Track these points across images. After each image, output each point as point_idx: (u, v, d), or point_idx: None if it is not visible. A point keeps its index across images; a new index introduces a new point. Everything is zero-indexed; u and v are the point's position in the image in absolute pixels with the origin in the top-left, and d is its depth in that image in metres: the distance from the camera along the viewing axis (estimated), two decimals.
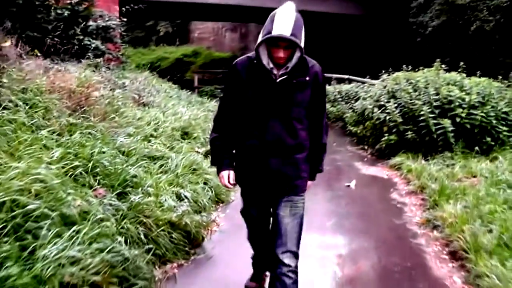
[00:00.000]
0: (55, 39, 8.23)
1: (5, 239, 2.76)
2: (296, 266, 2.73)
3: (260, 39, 2.57)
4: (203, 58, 29.51)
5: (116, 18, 10.50)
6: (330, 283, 3.76)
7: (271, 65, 2.67)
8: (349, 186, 6.50)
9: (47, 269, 2.63)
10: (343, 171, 7.63)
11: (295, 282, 2.71)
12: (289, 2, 2.64)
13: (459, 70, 9.09)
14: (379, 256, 4.26)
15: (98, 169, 4.21)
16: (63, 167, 3.89)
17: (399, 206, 5.77)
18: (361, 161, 8.26)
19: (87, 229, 3.12)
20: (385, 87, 9.23)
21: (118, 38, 10.46)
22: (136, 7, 10.71)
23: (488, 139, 7.52)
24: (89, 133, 4.92)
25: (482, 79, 8.77)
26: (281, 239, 2.74)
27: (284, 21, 2.51)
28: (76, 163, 4.06)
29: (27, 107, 4.71)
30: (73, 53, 8.61)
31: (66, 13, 8.77)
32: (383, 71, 10.44)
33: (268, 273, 3.09)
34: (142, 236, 3.63)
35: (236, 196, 5.26)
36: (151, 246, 3.61)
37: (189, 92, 13.51)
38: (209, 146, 3.24)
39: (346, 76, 15.08)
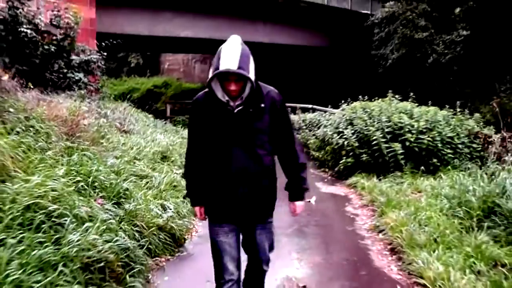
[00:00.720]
0: (47, 72, 9.11)
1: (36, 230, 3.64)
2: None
3: (210, 75, 2.70)
4: (173, 89, 30.42)
5: (95, 51, 11.36)
6: (293, 270, 4.74)
7: (227, 98, 2.83)
8: (309, 201, 7.47)
9: (72, 251, 3.52)
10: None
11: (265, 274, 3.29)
12: (234, 35, 2.79)
13: (409, 99, 10.27)
14: (331, 253, 5.26)
15: (96, 183, 5.09)
16: (67, 181, 4.76)
17: (352, 216, 6.82)
18: (321, 181, 9.32)
19: (96, 225, 4.01)
20: (343, 115, 10.38)
21: (98, 71, 11.31)
22: (114, 42, 11.61)
23: (434, 160, 8.69)
24: (84, 154, 5.79)
25: (431, 108, 9.97)
26: (262, 257, 3.13)
27: (230, 55, 2.65)
28: (78, 178, 4.95)
29: (31, 133, 5.56)
30: (59, 85, 9.45)
31: (52, 48, 9.61)
32: (343, 101, 11.59)
33: None
34: (137, 235, 4.53)
35: None
36: (144, 241, 4.54)
37: (163, 121, 14.37)
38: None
39: (310, 106, 16.21)
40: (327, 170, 10.17)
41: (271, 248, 3.22)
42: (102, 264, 3.68)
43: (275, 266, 3.76)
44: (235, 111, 2.82)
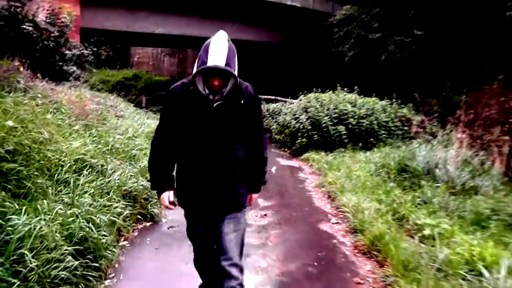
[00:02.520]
0: (46, 65, 10.93)
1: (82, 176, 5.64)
2: (242, 279, 2.97)
3: (196, 69, 2.73)
4: (144, 81, 31.76)
5: (85, 47, 13.19)
6: (255, 209, 6.83)
7: (207, 91, 2.86)
8: (271, 170, 9.62)
9: (116, 185, 5.57)
10: (269, 163, 10.91)
11: None
12: (221, 31, 2.85)
13: (354, 92, 12.59)
14: (285, 199, 7.47)
15: (113, 150, 7.10)
16: (95, 147, 6.75)
17: (303, 179, 9.06)
18: (281, 157, 11.60)
19: (125, 172, 6.06)
20: (300, 104, 12.64)
21: (87, 64, 13.18)
22: (102, 38, 13.51)
23: (372, 139, 11.06)
24: (98, 130, 7.77)
25: (372, 98, 12.31)
26: (227, 254, 2.95)
27: (218, 52, 2.70)
28: (100, 146, 6.94)
29: (58, 113, 7.50)
30: (57, 77, 11.29)
31: (51, 44, 11.44)
32: (301, 93, 13.81)
33: None
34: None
35: None
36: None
37: (145, 110, 16.28)
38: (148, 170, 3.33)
39: (273, 97, 18.40)
40: (286, 149, 12.45)
41: (241, 250, 3.13)
42: (133, 194, 5.75)
43: None
44: (214, 105, 2.88)
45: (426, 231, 5.30)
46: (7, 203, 3.97)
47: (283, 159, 11.35)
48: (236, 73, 2.78)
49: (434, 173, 7.49)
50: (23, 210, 3.83)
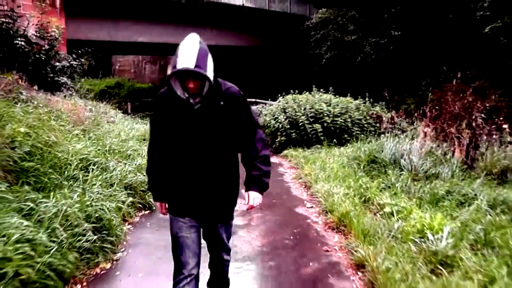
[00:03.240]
0: (38, 77, 11.78)
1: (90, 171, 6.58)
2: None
3: (168, 72, 2.77)
4: (126, 89, 32.71)
5: (73, 58, 14.04)
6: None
7: (186, 95, 2.89)
8: None
9: (118, 178, 6.51)
10: None
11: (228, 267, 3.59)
12: (192, 34, 2.83)
13: (329, 92, 13.66)
14: (268, 190, 8.39)
15: (111, 150, 8.02)
16: (95, 148, 7.66)
17: (282, 173, 10.07)
18: None
19: (125, 169, 6.99)
20: (279, 105, 13.67)
21: (76, 75, 14.04)
22: (89, 49, 14.40)
23: (346, 136, 12.12)
24: (95, 134, 8.69)
25: (346, 98, 13.37)
26: (223, 248, 3.40)
27: (188, 54, 2.69)
28: (99, 147, 7.85)
29: (59, 120, 8.40)
30: (49, 87, 12.14)
31: (43, 57, 12.29)
32: (279, 94, 14.84)
33: None
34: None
35: None
36: None
37: (132, 116, 17.17)
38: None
39: (254, 100, 19.34)
40: None
41: (228, 238, 3.44)
42: (133, 186, 6.70)
43: None
44: (195, 107, 2.92)
45: (387, 209, 6.31)
46: (32, 195, 4.91)
47: None
48: (210, 74, 2.79)
49: (399, 163, 8.52)
50: (50, 196, 4.77)
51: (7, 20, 11.67)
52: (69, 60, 13.58)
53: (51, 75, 12.63)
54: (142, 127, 12.35)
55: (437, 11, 18.38)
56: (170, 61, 2.81)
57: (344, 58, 21.63)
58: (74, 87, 13.74)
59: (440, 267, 4.43)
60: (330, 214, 6.50)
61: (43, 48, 12.52)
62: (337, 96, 13.66)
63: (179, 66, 2.69)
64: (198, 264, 3.11)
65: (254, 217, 6.69)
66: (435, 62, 17.70)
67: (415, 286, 3.98)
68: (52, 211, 4.57)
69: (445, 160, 8.55)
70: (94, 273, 4.60)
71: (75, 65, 13.62)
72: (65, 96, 11.26)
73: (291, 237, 5.88)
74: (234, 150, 3.13)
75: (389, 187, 7.50)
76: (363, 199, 7.00)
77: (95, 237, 4.77)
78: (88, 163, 6.75)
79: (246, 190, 3.20)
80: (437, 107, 10.18)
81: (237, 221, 6.23)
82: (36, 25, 12.82)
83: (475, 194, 6.64)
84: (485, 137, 8.91)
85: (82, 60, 14.07)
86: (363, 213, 6.23)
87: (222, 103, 2.94)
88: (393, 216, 6.07)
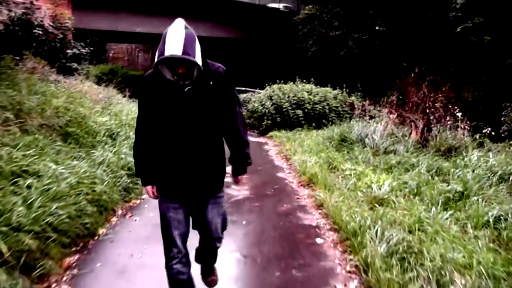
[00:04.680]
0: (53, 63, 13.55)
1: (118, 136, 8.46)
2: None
3: (156, 59, 2.75)
4: (120, 75, 34.05)
5: (79, 45, 15.80)
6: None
7: (176, 77, 2.91)
8: None
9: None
10: None
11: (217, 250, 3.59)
12: (178, 19, 2.84)
13: (310, 83, 15.61)
14: (254, 162, 10.35)
15: (127, 124, 9.86)
16: (115, 122, 9.50)
17: (267, 150, 12.08)
18: (251, 136, 14.37)
19: None
20: (265, 93, 15.65)
21: (84, 61, 15.83)
22: (96, 39, 16.18)
23: (324, 121, 14.14)
24: (112, 111, 10.53)
25: (326, 88, 15.35)
26: (214, 234, 3.35)
27: (175, 41, 2.69)
28: (118, 121, 9.70)
29: (83, 98, 10.22)
30: (65, 72, 13.89)
31: (57, 44, 14.05)
32: (267, 84, 16.74)
33: None
34: None
35: None
36: None
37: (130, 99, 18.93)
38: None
39: (244, 88, 21.09)
40: (255, 130, 15.56)
41: (224, 227, 3.43)
42: None
43: None
44: (186, 90, 2.94)
45: (347, 172, 8.26)
46: (77, 150, 6.81)
47: (252, 137, 14.30)
48: (198, 59, 2.80)
49: (364, 141, 10.49)
50: (99, 148, 6.69)
51: (27, 12, 13.37)
52: (79, 48, 15.32)
53: (64, 61, 14.36)
54: None
55: (418, 10, 19.86)
56: (158, 47, 2.77)
57: (328, 52, 23.08)
58: (83, 72, 15.50)
59: (377, 205, 6.33)
60: (303, 175, 8.44)
61: (58, 37, 14.25)
62: (318, 86, 15.60)
63: (167, 53, 2.70)
64: (185, 243, 3.24)
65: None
66: (411, 58, 19.31)
67: (353, 212, 5.87)
68: (99, 159, 6.48)
69: (403, 140, 10.50)
70: (128, 206, 6.51)
71: (84, 53, 15.38)
72: (81, 80, 13.00)
73: (272, 190, 7.84)
74: (221, 130, 3.20)
75: (353, 159, 9.44)
76: (330, 166, 8.93)
77: (129, 180, 6.68)
78: (112, 132, 8.61)
79: (235, 175, 3.43)
80: (400, 97, 12.17)
81: (228, 179, 8.17)
82: (51, 16, 14.54)
83: (419, 163, 8.57)
84: (435, 121, 10.88)
85: (91, 48, 15.79)
86: (328, 175, 8.16)
87: (211, 82, 3.00)
88: (351, 176, 7.99)
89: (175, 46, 2.68)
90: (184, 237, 3.22)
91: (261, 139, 13.86)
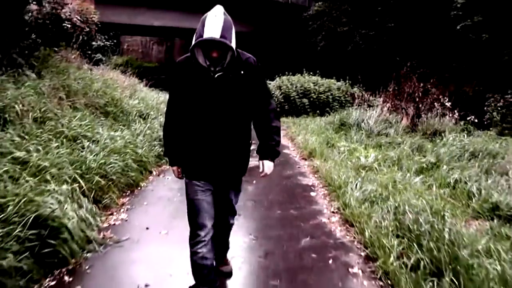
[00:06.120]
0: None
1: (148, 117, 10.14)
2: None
3: (193, 42, 2.90)
4: (135, 67, 35.56)
5: (103, 38, 17.46)
6: None
7: (208, 63, 3.02)
8: None
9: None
10: None
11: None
12: (218, 6, 2.99)
13: (316, 75, 17.26)
14: None
15: (154, 108, 11.50)
16: (144, 105, 11.15)
17: None
18: None
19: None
20: (275, 84, 17.32)
21: (107, 52, 17.51)
22: (118, 32, 17.83)
23: (327, 109, 15.84)
24: (139, 97, 12.17)
25: (331, 80, 16.98)
26: (230, 212, 3.65)
27: (214, 25, 2.84)
28: (145, 105, 11.34)
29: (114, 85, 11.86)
30: (90, 62, 15.56)
31: (85, 37, 15.69)
32: (276, 75, 18.36)
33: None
34: None
35: None
36: None
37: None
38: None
39: None
40: None
41: (236, 202, 3.67)
42: None
43: None
44: (216, 76, 3.04)
45: (341, 148, 9.86)
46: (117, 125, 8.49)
47: None
48: (233, 45, 2.93)
49: (360, 125, 12.09)
50: (136, 123, 8.40)
51: (56, 7, 14.99)
52: (103, 41, 16.99)
53: (89, 52, 16.00)
54: (163, 96, 15.78)
55: (422, 8, 20.97)
56: (196, 30, 2.92)
57: (336, 47, 24.51)
58: (107, 62, 17.18)
59: (362, 171, 7.92)
60: (305, 150, 10.08)
61: (84, 30, 15.88)
62: (323, 78, 17.23)
63: (206, 35, 2.83)
64: (213, 226, 3.32)
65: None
66: (411, 53, 20.40)
67: (341, 174, 7.47)
68: (137, 131, 8.17)
69: (395, 125, 12.09)
70: (161, 169, 8.18)
71: (108, 45, 17.05)
72: (108, 69, 14.66)
73: (277, 162, 9.37)
74: (249, 117, 3.27)
75: (349, 139, 11.05)
76: (328, 144, 10.53)
77: (160, 149, 8.34)
78: (142, 113, 10.28)
79: (260, 159, 3.40)
80: (396, 88, 13.78)
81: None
82: (78, 10, 16.16)
83: (404, 142, 10.15)
84: (425, 109, 12.45)
85: (115, 41, 17.45)
86: (325, 150, 9.77)
87: (242, 72, 3.10)
88: (345, 151, 9.58)
89: (214, 30, 2.83)
90: (212, 220, 3.32)
91: None
